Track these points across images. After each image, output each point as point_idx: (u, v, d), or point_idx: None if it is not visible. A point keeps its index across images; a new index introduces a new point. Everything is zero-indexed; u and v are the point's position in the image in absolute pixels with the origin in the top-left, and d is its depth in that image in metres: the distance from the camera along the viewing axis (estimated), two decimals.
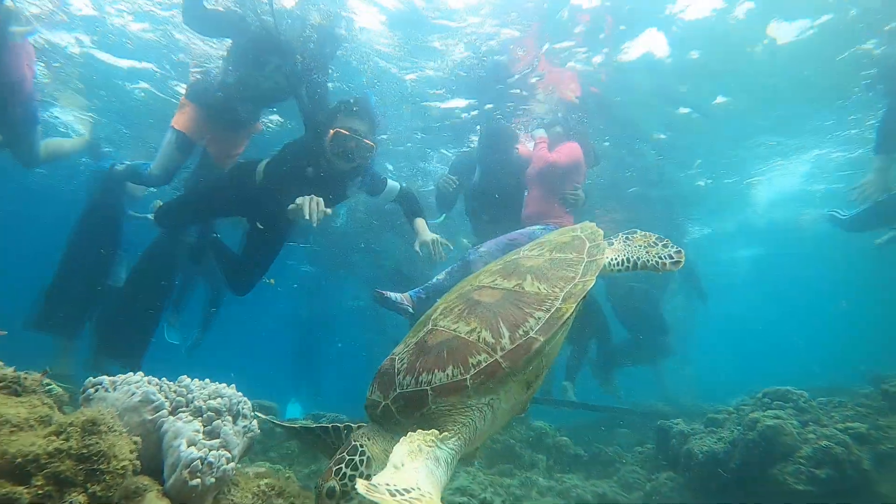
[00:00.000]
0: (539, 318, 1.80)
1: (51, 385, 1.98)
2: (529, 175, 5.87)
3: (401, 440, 1.53)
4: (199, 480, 1.54)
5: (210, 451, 1.62)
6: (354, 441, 1.70)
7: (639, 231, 2.41)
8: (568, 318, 1.82)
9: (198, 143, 5.21)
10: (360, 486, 1.27)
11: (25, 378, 1.57)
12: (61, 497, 1.19)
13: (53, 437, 1.26)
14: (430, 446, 1.52)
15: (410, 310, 4.65)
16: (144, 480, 1.51)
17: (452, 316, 1.89)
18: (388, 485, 1.34)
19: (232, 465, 1.65)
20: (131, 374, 1.89)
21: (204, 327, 8.80)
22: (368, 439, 1.71)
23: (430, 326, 1.90)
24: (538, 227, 5.45)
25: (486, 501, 4.15)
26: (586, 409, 7.21)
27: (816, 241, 13.80)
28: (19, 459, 1.18)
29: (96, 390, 1.78)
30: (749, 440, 3.99)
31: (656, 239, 2.35)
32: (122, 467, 1.31)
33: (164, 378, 1.94)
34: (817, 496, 3.64)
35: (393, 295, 4.46)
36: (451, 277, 4.65)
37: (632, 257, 2.29)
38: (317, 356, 14.27)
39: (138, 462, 1.43)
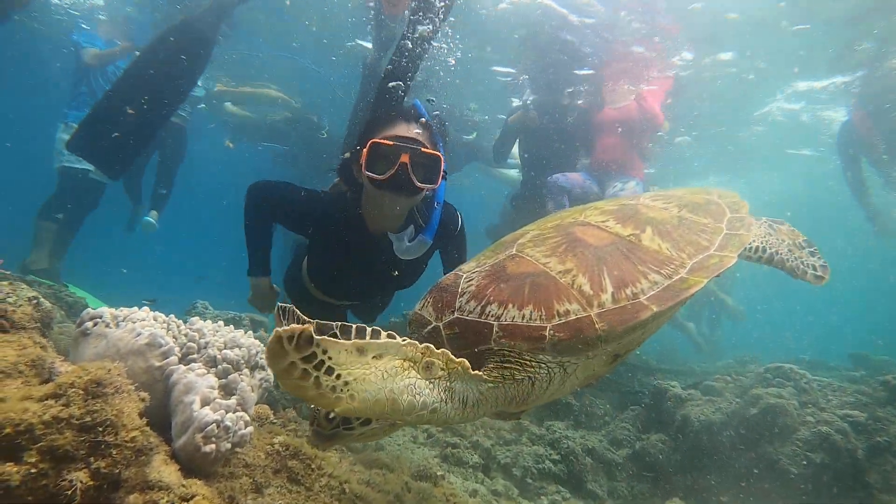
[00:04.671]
0: (655, 283, 1.45)
1: (37, 298, 1.75)
2: (619, 123, 5.71)
3: (397, 340, 1.13)
4: (213, 447, 1.36)
5: (227, 412, 1.43)
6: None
7: (786, 224, 2.18)
8: (691, 294, 1.46)
9: None
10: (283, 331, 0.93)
11: (13, 311, 1.33)
12: (59, 475, 1.00)
13: (51, 402, 1.04)
14: (447, 371, 1.18)
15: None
16: (151, 438, 1.33)
17: (545, 248, 1.54)
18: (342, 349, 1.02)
19: (250, 429, 1.47)
20: (136, 308, 1.67)
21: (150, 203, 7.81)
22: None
23: (513, 251, 1.57)
24: (633, 181, 5.23)
25: (477, 444, 4.16)
26: None
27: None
28: (8, 430, 0.97)
29: (95, 324, 1.56)
30: (750, 416, 3.98)
31: (804, 241, 2.13)
32: (132, 438, 1.11)
33: (171, 315, 1.72)
34: (805, 478, 3.68)
35: None
36: None
37: (770, 249, 2.01)
38: None
39: (147, 428, 1.23)
